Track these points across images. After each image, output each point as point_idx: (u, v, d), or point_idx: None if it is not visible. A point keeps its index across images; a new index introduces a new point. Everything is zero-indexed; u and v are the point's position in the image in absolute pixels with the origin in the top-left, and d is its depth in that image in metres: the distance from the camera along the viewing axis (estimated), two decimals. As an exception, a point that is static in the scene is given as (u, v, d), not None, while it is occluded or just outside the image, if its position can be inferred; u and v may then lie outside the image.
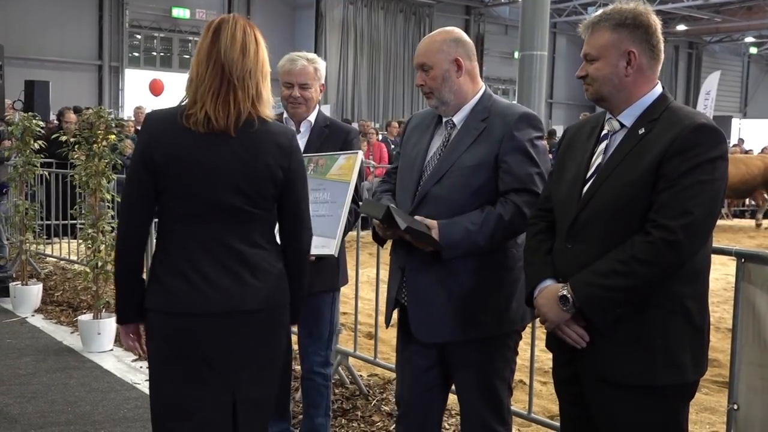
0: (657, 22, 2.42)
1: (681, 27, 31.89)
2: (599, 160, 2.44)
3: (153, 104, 19.98)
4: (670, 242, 2.21)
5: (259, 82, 2.52)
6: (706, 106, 23.46)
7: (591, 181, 2.42)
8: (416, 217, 2.79)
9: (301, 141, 3.67)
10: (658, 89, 2.44)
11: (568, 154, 2.59)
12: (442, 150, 2.93)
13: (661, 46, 2.44)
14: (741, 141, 23.64)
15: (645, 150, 2.31)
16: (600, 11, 2.47)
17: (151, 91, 21.89)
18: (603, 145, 2.46)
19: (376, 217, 2.75)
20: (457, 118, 2.94)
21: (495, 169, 2.80)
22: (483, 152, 2.82)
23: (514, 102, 3.07)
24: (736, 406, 2.96)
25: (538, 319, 2.64)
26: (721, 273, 9.51)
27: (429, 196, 2.87)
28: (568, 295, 2.34)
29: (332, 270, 3.68)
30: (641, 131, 2.36)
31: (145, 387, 5.03)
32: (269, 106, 2.55)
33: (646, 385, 2.34)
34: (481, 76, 3.05)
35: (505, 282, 2.84)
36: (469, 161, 2.82)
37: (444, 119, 2.99)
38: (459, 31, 2.98)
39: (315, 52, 24.87)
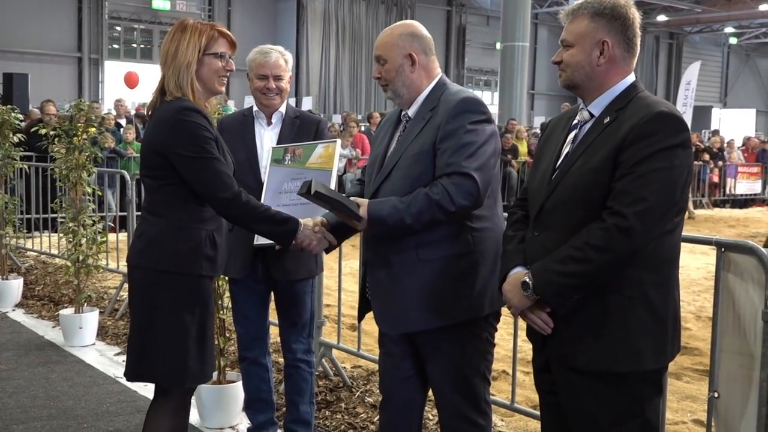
0: (636, 16, 2.43)
1: (661, 17, 32.08)
2: (567, 150, 2.47)
3: (132, 97, 19.86)
4: (622, 228, 2.23)
5: (169, 70, 2.91)
6: (687, 96, 23.61)
7: (558, 170, 2.46)
8: (351, 198, 2.83)
9: (273, 132, 3.75)
10: (629, 79, 2.45)
11: (545, 145, 2.62)
12: (396, 143, 2.96)
13: (638, 40, 2.45)
14: (716, 131, 23.74)
15: (607, 139, 2.34)
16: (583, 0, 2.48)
17: (126, 83, 21.67)
18: (572, 135, 2.49)
19: (301, 193, 2.83)
20: (411, 111, 2.96)
21: (433, 156, 2.80)
22: (423, 141, 2.83)
23: (463, 88, 3.04)
24: (716, 394, 2.99)
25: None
26: (702, 262, 9.59)
27: (380, 191, 2.90)
28: (529, 281, 2.38)
29: (310, 258, 3.72)
30: (606, 120, 2.39)
31: (127, 381, 5.01)
32: (174, 88, 2.90)
33: (605, 371, 2.36)
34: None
35: (461, 270, 2.83)
36: (412, 151, 2.85)
37: (402, 113, 3.01)
38: (417, 26, 2.99)
39: (296, 44, 24.91)
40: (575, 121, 2.51)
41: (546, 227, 2.45)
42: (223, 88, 3.04)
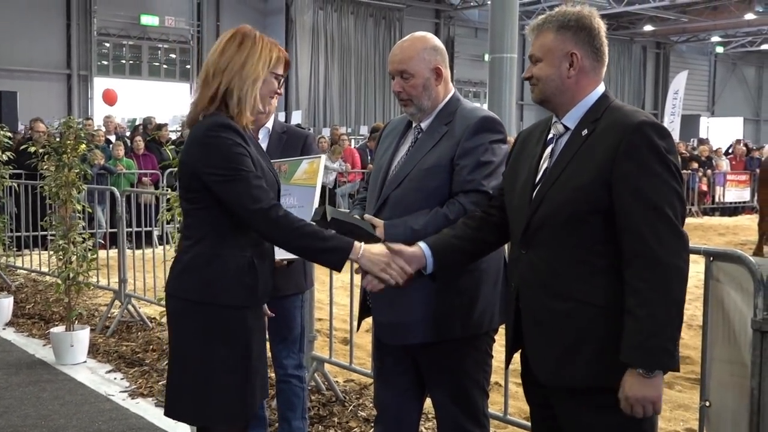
0: (601, 26, 2.44)
1: (648, 27, 32.24)
2: (546, 165, 2.45)
3: (123, 113, 19.83)
4: (671, 269, 2.21)
5: (232, 80, 2.66)
6: (675, 105, 23.74)
7: (539, 185, 2.43)
8: (366, 217, 2.82)
9: None
10: (600, 90, 2.44)
11: (519, 159, 2.60)
12: (407, 154, 2.95)
13: (605, 49, 2.45)
14: (706, 140, 23.86)
15: (590, 152, 2.32)
16: (545, 14, 2.49)
17: (104, 100, 21.53)
18: (549, 149, 2.47)
19: (315, 221, 2.77)
20: (424, 123, 2.96)
21: (450, 171, 2.81)
22: (440, 155, 2.84)
23: (479, 106, 3.08)
24: (708, 403, 2.99)
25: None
26: (692, 271, 9.61)
27: (389, 200, 2.90)
28: (639, 368, 2.26)
29: (299, 273, 3.73)
30: (584, 132, 2.37)
31: (119, 399, 5.00)
32: (235, 102, 2.66)
33: (598, 386, 2.32)
34: (452, 79, 3.07)
35: (466, 286, 2.84)
36: (426, 164, 2.85)
37: (413, 124, 3.01)
38: (434, 38, 2.99)
39: (285, 57, 24.87)
40: (550, 135, 2.49)
41: (533, 245, 2.42)
42: (267, 108, 2.86)
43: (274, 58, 2.74)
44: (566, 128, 2.44)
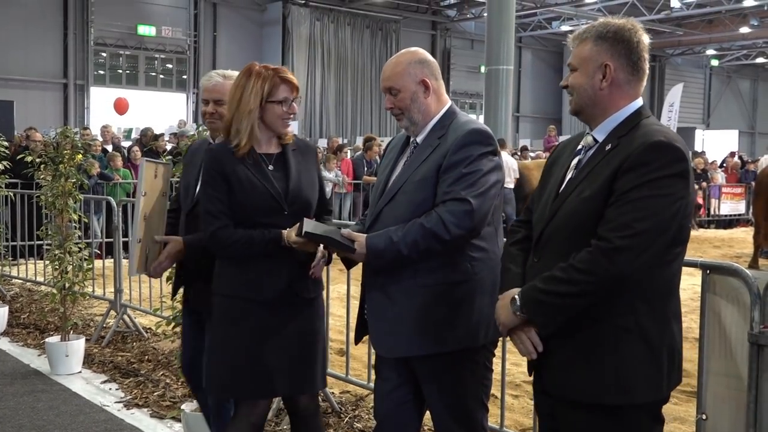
0: (642, 40, 2.40)
1: (644, 40, 32.34)
2: (570, 176, 2.45)
3: (119, 122, 19.84)
4: (605, 252, 2.20)
5: (233, 116, 3.06)
6: (670, 117, 23.81)
7: (558, 197, 2.44)
8: (344, 232, 2.87)
9: None
10: (635, 105, 2.41)
11: (552, 169, 2.59)
12: (402, 169, 2.98)
13: (644, 64, 2.41)
14: (702, 152, 23.95)
15: (604, 167, 2.31)
16: (589, 24, 2.48)
17: (115, 109, 21.62)
18: (576, 160, 2.47)
19: (298, 236, 2.91)
20: (420, 137, 2.98)
21: (436, 183, 2.83)
22: (429, 167, 2.86)
23: (473, 119, 3.08)
24: (704, 416, 3.00)
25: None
26: (688, 283, 9.58)
27: (382, 214, 2.93)
28: (517, 298, 2.38)
29: None
30: (608, 147, 2.35)
31: (114, 409, 4.98)
32: (234, 133, 3.06)
33: (595, 403, 2.31)
34: (448, 91, 3.09)
35: (459, 297, 2.84)
36: (417, 177, 2.87)
37: (410, 140, 3.03)
38: (423, 52, 3.02)
39: (282, 68, 24.92)
40: (579, 147, 2.48)
41: (544, 255, 2.43)
42: (287, 129, 3.17)
43: (267, 88, 3.04)
44: (595, 141, 2.43)
